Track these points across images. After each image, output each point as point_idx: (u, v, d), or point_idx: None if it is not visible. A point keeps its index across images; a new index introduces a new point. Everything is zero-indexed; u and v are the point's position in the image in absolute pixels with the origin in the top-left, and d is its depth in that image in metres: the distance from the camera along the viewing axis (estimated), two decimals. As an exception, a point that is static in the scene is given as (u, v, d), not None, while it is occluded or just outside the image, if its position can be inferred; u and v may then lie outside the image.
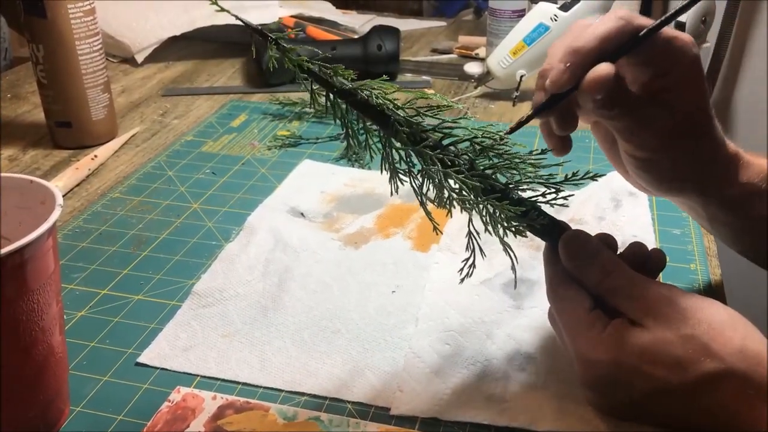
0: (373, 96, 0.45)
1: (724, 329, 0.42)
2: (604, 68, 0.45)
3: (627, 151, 0.50)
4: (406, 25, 1.34)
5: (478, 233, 0.48)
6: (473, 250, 0.48)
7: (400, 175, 0.47)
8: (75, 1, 0.81)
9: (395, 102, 0.45)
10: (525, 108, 0.99)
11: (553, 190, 0.48)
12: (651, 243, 0.66)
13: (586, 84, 0.45)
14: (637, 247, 0.50)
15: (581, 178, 0.49)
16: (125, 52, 1.17)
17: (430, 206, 0.47)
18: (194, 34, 1.17)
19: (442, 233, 0.47)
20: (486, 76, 1.00)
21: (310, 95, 0.45)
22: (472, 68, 1.12)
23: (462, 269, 0.49)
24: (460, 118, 0.47)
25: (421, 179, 0.46)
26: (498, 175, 0.47)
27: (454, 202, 0.46)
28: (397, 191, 0.47)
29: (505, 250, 0.48)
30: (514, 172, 0.47)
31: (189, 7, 1.21)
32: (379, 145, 0.47)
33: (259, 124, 0.94)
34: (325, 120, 0.94)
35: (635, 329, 0.43)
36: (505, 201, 0.46)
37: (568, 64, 0.45)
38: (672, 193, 0.52)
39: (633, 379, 0.43)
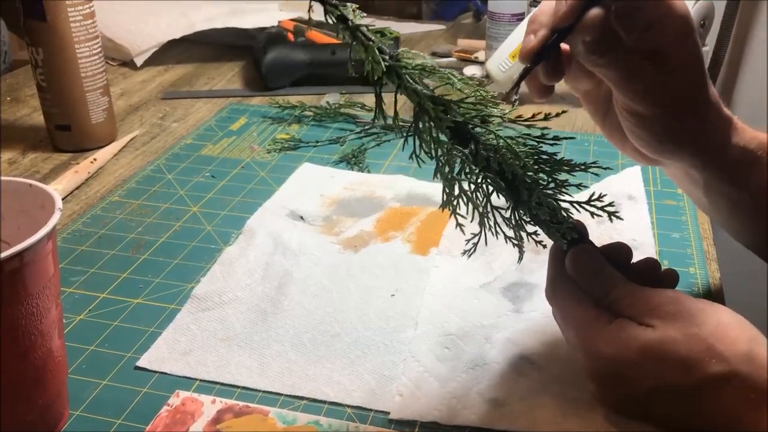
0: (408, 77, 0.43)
1: (730, 331, 0.42)
2: (592, 11, 0.45)
3: (624, 107, 0.49)
4: (405, 28, 1.35)
5: (494, 209, 0.46)
6: (483, 229, 0.47)
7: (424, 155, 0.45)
8: (75, 5, 0.81)
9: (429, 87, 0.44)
10: (524, 111, 0.99)
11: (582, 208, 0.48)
12: (650, 247, 0.66)
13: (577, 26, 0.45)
14: (650, 263, 0.50)
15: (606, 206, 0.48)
16: (125, 56, 1.17)
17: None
18: (194, 38, 1.18)
19: (462, 225, 0.46)
20: (485, 80, 1.00)
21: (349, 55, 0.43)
22: (472, 72, 1.12)
23: (468, 242, 0.47)
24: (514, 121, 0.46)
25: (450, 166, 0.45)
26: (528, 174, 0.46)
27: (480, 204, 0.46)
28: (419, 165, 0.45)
29: (517, 240, 0.48)
30: (544, 176, 0.46)
31: (188, 11, 1.21)
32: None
33: (258, 128, 0.94)
34: (324, 123, 0.94)
35: (641, 327, 0.43)
36: (534, 204, 0.45)
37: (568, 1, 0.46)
38: (669, 154, 0.52)
39: (636, 376, 0.43)
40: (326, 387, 0.51)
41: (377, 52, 0.43)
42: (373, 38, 0.43)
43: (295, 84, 1.07)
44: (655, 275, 0.49)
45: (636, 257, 0.50)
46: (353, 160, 0.84)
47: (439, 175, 0.45)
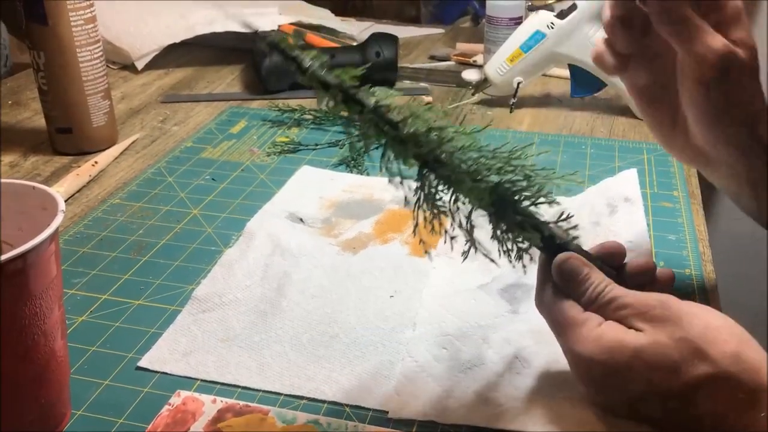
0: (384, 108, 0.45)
1: (719, 334, 0.42)
2: None
3: (693, 76, 0.51)
4: (404, 32, 1.35)
5: (472, 227, 0.48)
6: (471, 245, 0.48)
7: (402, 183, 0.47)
8: (76, 9, 0.82)
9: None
10: (522, 114, 1.00)
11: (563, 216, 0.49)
12: (646, 248, 0.66)
13: None
14: (644, 264, 0.50)
15: None
16: (125, 59, 1.18)
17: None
18: (194, 41, 1.18)
19: (433, 248, 0.48)
20: (483, 83, 1.00)
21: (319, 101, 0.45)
22: (470, 75, 1.12)
23: (466, 248, 0.49)
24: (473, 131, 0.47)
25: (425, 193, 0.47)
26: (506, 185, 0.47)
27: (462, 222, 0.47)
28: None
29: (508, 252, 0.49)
30: (524, 185, 0.47)
31: (188, 14, 1.21)
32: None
33: (258, 131, 0.94)
34: (323, 126, 0.95)
35: (630, 331, 0.44)
36: (514, 217, 0.47)
37: None
38: (726, 130, 0.53)
39: (626, 379, 0.44)
40: (325, 387, 0.52)
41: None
42: (335, 81, 0.45)
43: (294, 87, 1.07)
44: (650, 275, 0.50)
45: (631, 259, 0.51)
46: (352, 163, 0.84)
47: (418, 202, 0.47)
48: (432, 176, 0.46)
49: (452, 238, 0.48)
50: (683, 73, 0.53)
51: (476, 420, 0.49)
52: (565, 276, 0.47)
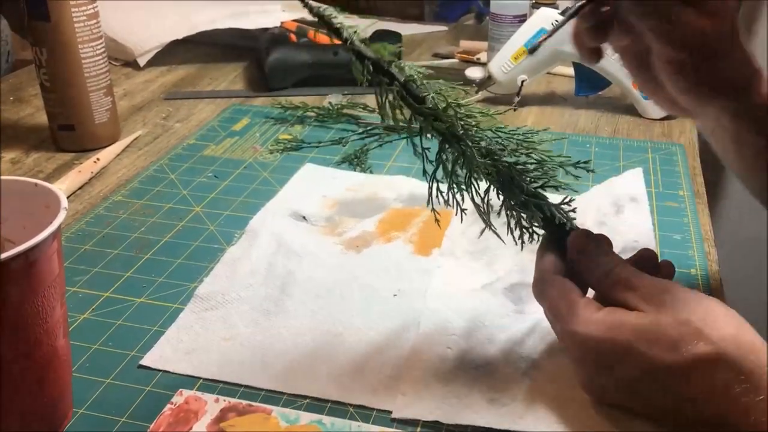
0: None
1: (719, 318, 0.43)
2: None
3: (664, 56, 0.52)
4: (407, 29, 1.35)
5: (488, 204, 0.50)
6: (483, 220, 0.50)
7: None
8: (79, 5, 0.81)
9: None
10: (526, 112, 1.00)
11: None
12: (652, 248, 0.66)
13: None
14: (646, 254, 0.51)
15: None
16: (128, 56, 1.17)
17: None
18: (196, 38, 1.18)
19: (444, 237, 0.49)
20: (487, 81, 1.00)
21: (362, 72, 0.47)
22: (474, 73, 1.12)
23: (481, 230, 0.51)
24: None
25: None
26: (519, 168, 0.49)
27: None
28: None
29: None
30: (533, 167, 0.49)
31: (191, 12, 1.21)
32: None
33: (261, 128, 0.94)
34: (327, 124, 0.94)
35: (632, 312, 0.45)
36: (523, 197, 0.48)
37: None
38: (706, 99, 0.54)
39: (624, 357, 0.44)
40: (329, 386, 0.51)
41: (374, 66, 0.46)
42: (371, 54, 0.47)
43: (297, 85, 1.07)
44: (652, 264, 0.51)
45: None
46: (356, 161, 0.84)
47: (442, 174, 0.49)
48: (449, 150, 0.48)
49: (463, 210, 0.50)
50: (654, 50, 0.53)
51: (481, 420, 0.48)
52: (582, 246, 0.49)
